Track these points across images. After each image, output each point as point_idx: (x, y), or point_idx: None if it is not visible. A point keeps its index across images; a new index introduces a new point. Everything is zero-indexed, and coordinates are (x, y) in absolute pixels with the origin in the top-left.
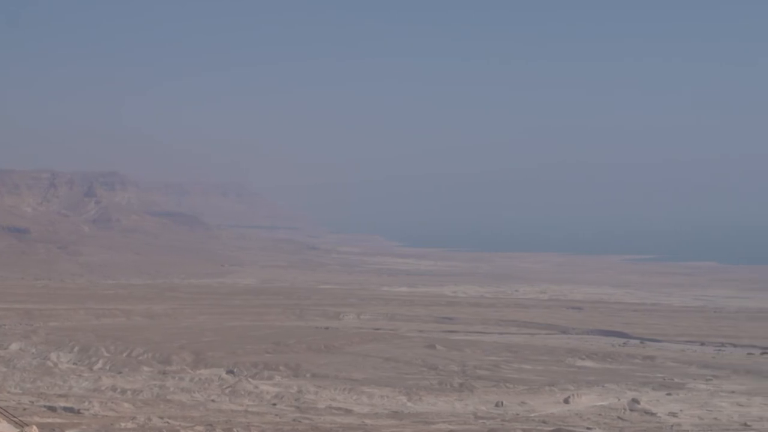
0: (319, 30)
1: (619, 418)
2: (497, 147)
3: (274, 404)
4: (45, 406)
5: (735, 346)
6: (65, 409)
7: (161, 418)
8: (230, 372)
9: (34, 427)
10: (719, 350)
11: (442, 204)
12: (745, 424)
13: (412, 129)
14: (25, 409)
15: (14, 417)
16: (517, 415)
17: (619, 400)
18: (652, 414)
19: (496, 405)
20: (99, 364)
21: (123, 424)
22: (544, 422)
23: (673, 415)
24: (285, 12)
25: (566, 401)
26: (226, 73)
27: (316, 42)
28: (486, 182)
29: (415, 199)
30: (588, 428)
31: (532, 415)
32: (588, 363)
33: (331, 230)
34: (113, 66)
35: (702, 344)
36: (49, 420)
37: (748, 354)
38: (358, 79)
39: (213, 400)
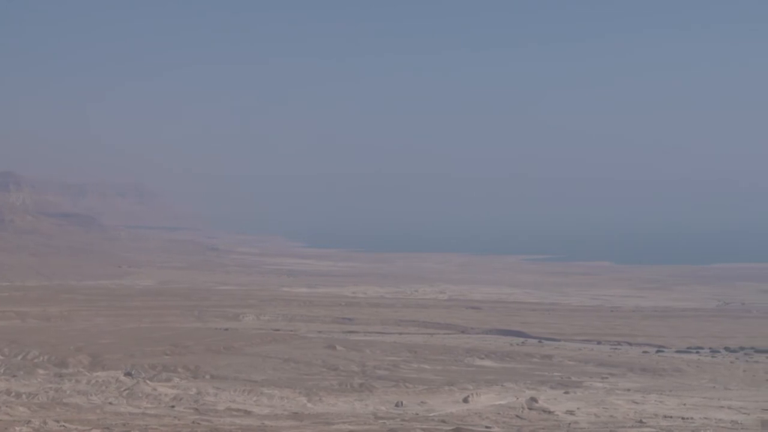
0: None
1: (517, 416)
2: (411, 149)
3: (173, 406)
4: None
5: (630, 344)
6: None
7: (57, 421)
8: (128, 374)
9: None
10: (615, 349)
11: (347, 205)
12: (641, 421)
13: (320, 128)
14: None
15: None
16: (417, 414)
17: (517, 398)
18: (550, 412)
19: (396, 405)
20: None
21: (18, 428)
22: (443, 421)
23: (571, 413)
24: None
25: (465, 400)
26: (132, 76)
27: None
28: (393, 183)
29: (320, 200)
30: (487, 427)
31: (432, 414)
32: (487, 362)
33: (232, 231)
34: (19, 66)
35: (598, 343)
36: None
37: (644, 352)
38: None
39: (110, 403)
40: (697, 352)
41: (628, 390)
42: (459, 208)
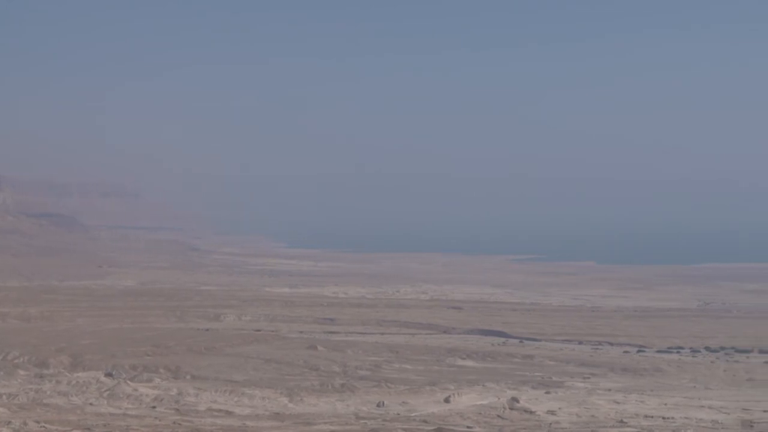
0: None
1: (498, 416)
2: (411, 149)
3: (154, 407)
4: None
5: (611, 344)
6: None
7: (38, 422)
8: (109, 375)
9: None
10: (596, 348)
11: (327, 205)
12: (621, 421)
13: (320, 128)
14: None
15: None
16: (398, 414)
17: (498, 398)
18: (531, 412)
19: (378, 405)
20: None
21: None
22: (425, 422)
23: (552, 413)
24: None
25: (447, 400)
26: (132, 76)
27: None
28: (374, 184)
29: (302, 200)
30: (468, 427)
31: (413, 414)
32: (468, 362)
33: (215, 231)
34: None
35: (580, 343)
36: None
37: (624, 352)
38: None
39: (91, 404)
40: (678, 352)
41: (609, 390)
42: (459, 208)
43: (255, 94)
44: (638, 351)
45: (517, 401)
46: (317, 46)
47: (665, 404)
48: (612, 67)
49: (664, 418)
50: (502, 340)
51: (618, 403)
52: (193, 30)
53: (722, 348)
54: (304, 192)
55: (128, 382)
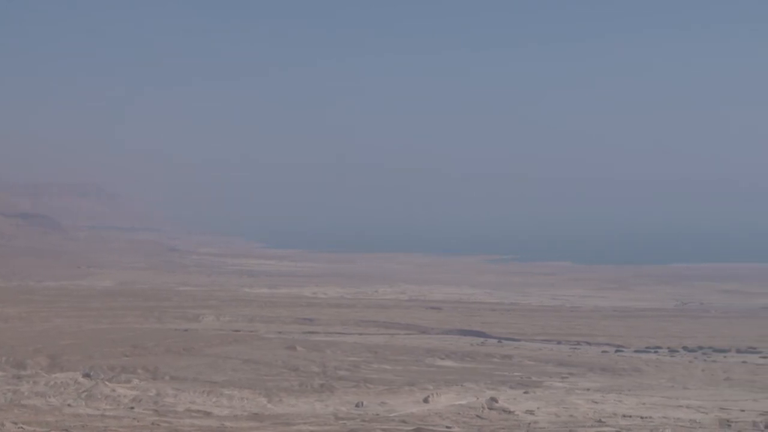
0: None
1: (477, 416)
2: (411, 149)
3: (132, 408)
4: None
5: (590, 344)
6: None
7: (15, 423)
8: (87, 375)
9: None
10: (575, 348)
11: (325, 205)
12: (600, 421)
13: (320, 128)
14: None
15: None
16: (377, 415)
17: (477, 398)
18: (510, 412)
19: (357, 405)
20: None
21: None
22: (404, 422)
23: (531, 412)
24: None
25: (426, 401)
26: (131, 76)
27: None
28: (374, 184)
29: (299, 201)
30: (447, 427)
31: (392, 414)
32: (447, 362)
33: (192, 231)
34: None
35: (558, 343)
36: None
37: (603, 352)
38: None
39: (69, 405)
40: (656, 352)
41: (588, 389)
42: (458, 208)
43: (255, 94)
44: (616, 351)
45: (496, 401)
46: (317, 46)
47: (643, 404)
48: (612, 67)
49: (642, 417)
50: (481, 340)
51: (596, 402)
52: (193, 30)
53: (700, 348)
54: (303, 192)
55: (106, 382)
